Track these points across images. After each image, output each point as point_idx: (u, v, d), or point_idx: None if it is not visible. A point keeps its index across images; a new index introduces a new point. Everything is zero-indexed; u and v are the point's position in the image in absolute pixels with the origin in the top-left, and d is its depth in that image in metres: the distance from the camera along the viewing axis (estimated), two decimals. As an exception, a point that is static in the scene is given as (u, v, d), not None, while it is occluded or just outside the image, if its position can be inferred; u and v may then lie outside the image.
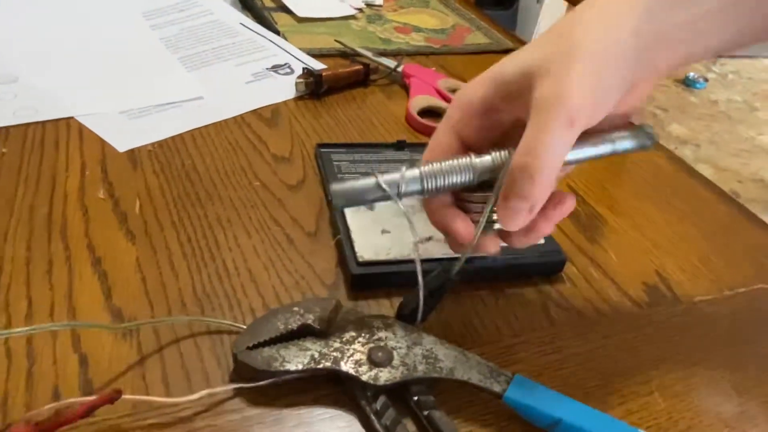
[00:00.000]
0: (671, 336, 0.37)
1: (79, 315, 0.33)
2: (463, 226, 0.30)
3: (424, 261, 0.37)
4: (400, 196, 0.29)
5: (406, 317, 0.33)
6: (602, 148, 0.30)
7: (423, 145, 0.52)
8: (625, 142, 0.30)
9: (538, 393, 0.30)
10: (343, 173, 0.47)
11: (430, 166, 0.29)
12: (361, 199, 0.29)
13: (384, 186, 0.29)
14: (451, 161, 0.29)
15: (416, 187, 0.29)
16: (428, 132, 0.56)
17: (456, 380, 0.31)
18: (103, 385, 0.29)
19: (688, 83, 2.61)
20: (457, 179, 0.29)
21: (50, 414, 0.26)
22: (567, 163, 0.29)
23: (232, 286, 0.36)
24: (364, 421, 0.30)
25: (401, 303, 0.34)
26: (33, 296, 0.33)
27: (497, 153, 0.29)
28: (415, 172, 0.29)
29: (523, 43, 0.79)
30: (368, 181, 0.29)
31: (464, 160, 0.29)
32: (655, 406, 0.33)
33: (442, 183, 0.29)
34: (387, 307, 0.36)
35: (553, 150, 0.26)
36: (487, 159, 0.29)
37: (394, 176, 0.29)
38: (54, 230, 0.38)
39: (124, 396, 0.27)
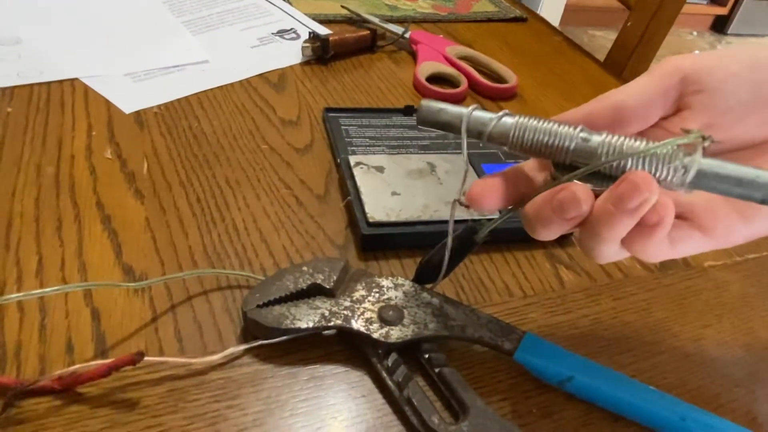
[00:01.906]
0: (682, 299, 0.37)
1: (90, 271, 0.33)
2: (582, 188, 0.25)
3: (440, 222, 0.38)
4: (483, 138, 0.27)
5: (425, 276, 0.33)
6: None
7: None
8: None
9: (549, 351, 0.30)
10: (352, 137, 0.46)
11: (528, 120, 0.26)
12: (444, 125, 0.27)
13: (466, 120, 0.26)
14: (553, 124, 0.26)
15: (504, 133, 0.26)
16: (436, 98, 0.55)
17: (467, 338, 0.31)
18: (116, 340, 0.29)
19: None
20: (551, 142, 0.25)
21: (73, 372, 0.27)
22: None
23: (242, 245, 0.36)
24: (376, 378, 0.30)
25: (423, 261, 0.33)
26: (43, 252, 0.33)
27: (613, 138, 0.25)
28: (509, 120, 0.26)
29: (529, 11, 0.78)
30: (458, 110, 0.27)
31: (568, 128, 0.25)
32: (666, 366, 0.33)
33: (532, 140, 0.26)
34: (397, 267, 0.36)
35: None
36: (594, 140, 0.25)
37: (485, 115, 0.27)
38: (62, 189, 0.38)
39: (149, 357, 0.27)
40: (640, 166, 0.24)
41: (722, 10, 2.93)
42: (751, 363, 0.34)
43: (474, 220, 0.32)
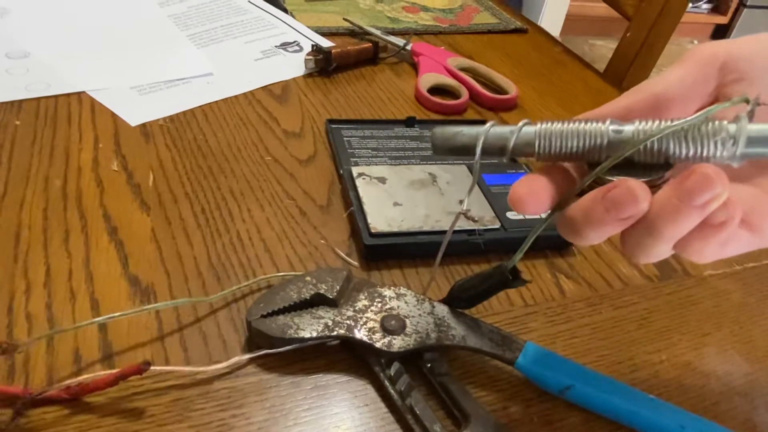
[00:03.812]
0: (681, 308, 0.38)
1: (97, 282, 0.33)
2: (638, 184, 0.22)
3: (441, 232, 0.38)
4: (506, 153, 0.25)
5: (455, 302, 0.33)
6: None
7: (432, 122, 0.53)
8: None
9: (549, 360, 0.31)
10: (354, 148, 0.47)
11: (552, 125, 0.24)
12: (461, 149, 0.25)
13: (481, 140, 0.24)
14: (579, 123, 0.24)
15: (528, 143, 0.24)
16: (437, 109, 0.56)
17: (468, 348, 0.31)
18: (123, 349, 0.30)
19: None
20: (581, 143, 0.23)
21: (80, 382, 0.27)
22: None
23: (246, 256, 0.36)
24: (378, 387, 0.30)
25: (456, 286, 0.32)
26: (51, 264, 0.34)
27: (646, 124, 0.23)
28: (530, 129, 0.24)
29: (530, 22, 0.79)
30: (474, 130, 0.25)
31: (596, 125, 0.23)
32: (666, 375, 0.33)
33: (561, 145, 0.24)
34: (399, 277, 0.37)
35: None
36: (627, 130, 0.23)
37: (504, 129, 0.25)
38: (69, 201, 0.38)
39: (155, 367, 0.28)
40: (683, 146, 0.22)
41: (722, 19, 2.95)
42: (750, 371, 0.34)
43: (479, 232, 0.33)
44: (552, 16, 2.64)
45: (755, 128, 0.21)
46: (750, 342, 0.36)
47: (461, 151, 0.25)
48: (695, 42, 2.95)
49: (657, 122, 0.23)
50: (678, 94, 0.25)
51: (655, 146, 0.22)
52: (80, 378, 0.27)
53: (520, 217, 0.40)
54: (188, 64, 0.56)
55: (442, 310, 0.32)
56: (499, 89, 0.60)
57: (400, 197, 0.41)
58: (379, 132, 0.50)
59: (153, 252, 0.36)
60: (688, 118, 0.22)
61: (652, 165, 0.23)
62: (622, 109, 0.25)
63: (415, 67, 0.63)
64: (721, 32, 2.98)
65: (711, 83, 0.25)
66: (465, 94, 0.57)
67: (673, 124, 0.22)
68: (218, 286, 0.34)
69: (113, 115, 0.47)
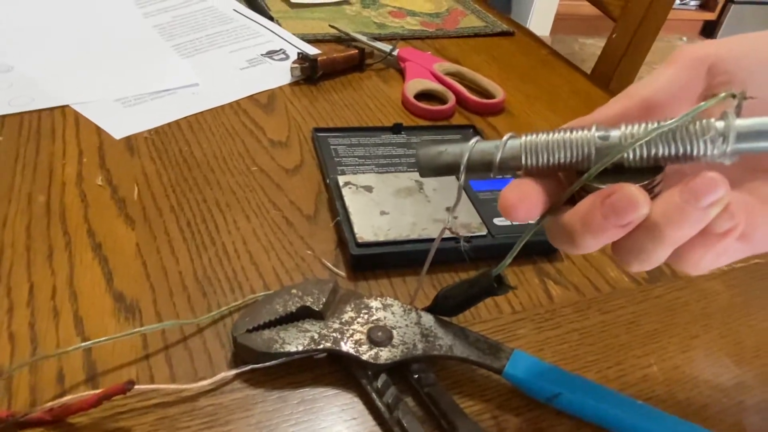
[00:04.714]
0: (670, 311, 0.38)
1: (81, 300, 0.33)
2: (637, 190, 0.22)
3: (428, 240, 0.38)
4: (493, 169, 0.24)
5: (440, 310, 0.32)
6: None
7: (419, 128, 0.53)
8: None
9: (537, 367, 0.30)
10: (341, 156, 0.47)
11: (537, 136, 0.24)
12: (447, 168, 0.25)
13: (465, 157, 0.24)
14: (564, 133, 0.23)
15: (515, 156, 0.24)
16: (424, 115, 0.56)
17: (455, 357, 0.31)
18: (107, 369, 0.30)
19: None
20: (568, 154, 0.23)
21: (64, 404, 0.27)
22: None
23: (233, 268, 0.36)
24: (366, 400, 0.30)
25: (440, 294, 0.32)
26: (35, 281, 0.33)
27: (633, 127, 0.22)
28: (515, 143, 0.24)
29: (516, 25, 0.79)
30: (459, 147, 0.25)
31: (582, 133, 0.23)
32: (654, 379, 0.33)
33: (548, 157, 0.23)
34: (387, 287, 0.37)
35: None
36: (614, 136, 0.23)
37: (489, 144, 0.24)
38: (53, 217, 0.38)
39: (139, 386, 0.28)
40: (672, 147, 0.22)
41: (711, 15, 2.96)
42: (739, 373, 0.34)
43: (466, 239, 0.32)
44: (541, 16, 2.65)
45: (743, 123, 0.21)
46: (738, 343, 0.36)
47: (447, 171, 0.25)
48: (684, 39, 2.96)
49: (644, 125, 0.22)
50: (667, 98, 0.25)
51: (644, 150, 0.22)
52: (64, 399, 0.27)
53: (508, 223, 0.40)
54: (173, 75, 0.55)
55: (429, 319, 0.32)
56: (486, 93, 0.60)
57: (386, 206, 0.41)
58: (366, 139, 0.50)
59: (138, 267, 0.35)
60: (675, 119, 0.22)
61: (643, 169, 0.23)
62: (613, 116, 0.25)
63: (401, 72, 0.63)
64: (709, 28, 3.00)
65: (700, 85, 0.25)
66: (452, 99, 0.57)
67: (661, 126, 0.22)
68: (204, 300, 0.34)
69: (98, 128, 0.47)
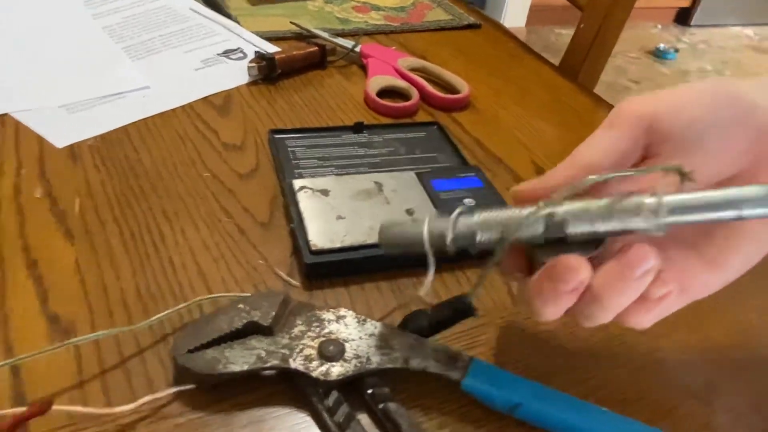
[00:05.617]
0: (636, 309, 0.36)
1: (12, 322, 0.31)
2: (576, 259, 0.24)
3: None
4: (449, 247, 0.26)
5: (411, 327, 0.31)
6: None
7: (381, 127, 0.51)
8: None
9: (496, 377, 0.29)
10: (299, 159, 0.45)
11: (488, 213, 0.26)
12: (408, 247, 0.27)
13: (427, 241, 0.26)
14: (513, 210, 0.26)
15: (467, 236, 0.26)
16: (387, 113, 0.54)
17: (412, 369, 0.29)
18: (38, 394, 0.27)
19: (658, 54, 2.61)
20: (518, 233, 0.25)
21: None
22: None
23: (178, 282, 0.34)
24: (317, 418, 0.28)
25: (408, 318, 0.31)
26: (-40, 305, 0.31)
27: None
28: (471, 219, 0.26)
29: (484, 17, 0.78)
30: (416, 228, 0.27)
31: (530, 210, 0.25)
32: (623, 380, 0.32)
33: (499, 236, 0.26)
34: (344, 295, 0.35)
35: None
36: (559, 212, 0.25)
37: (443, 224, 0.26)
38: (-15, 234, 0.36)
39: (58, 406, 0.26)
40: (609, 223, 0.24)
41: (685, 2, 2.98)
42: (708, 372, 0.33)
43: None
44: (516, 7, 2.65)
45: (672, 199, 0.23)
46: (707, 341, 0.35)
47: (409, 249, 0.27)
48: (659, 27, 2.98)
49: (584, 203, 0.25)
50: (612, 164, 0.26)
51: (586, 227, 0.24)
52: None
53: (469, 223, 0.39)
54: (122, 79, 0.53)
55: (385, 330, 0.31)
56: (451, 88, 0.58)
57: (343, 210, 0.39)
58: (325, 140, 0.48)
59: (76, 285, 0.33)
60: (609, 199, 0.24)
61: (585, 242, 0.25)
62: (558, 186, 0.26)
63: (365, 69, 0.61)
64: (684, 15, 3.02)
65: (640, 144, 0.27)
66: (415, 96, 0.55)
67: (598, 203, 0.24)
68: (145, 318, 0.32)
69: (39, 137, 0.45)
